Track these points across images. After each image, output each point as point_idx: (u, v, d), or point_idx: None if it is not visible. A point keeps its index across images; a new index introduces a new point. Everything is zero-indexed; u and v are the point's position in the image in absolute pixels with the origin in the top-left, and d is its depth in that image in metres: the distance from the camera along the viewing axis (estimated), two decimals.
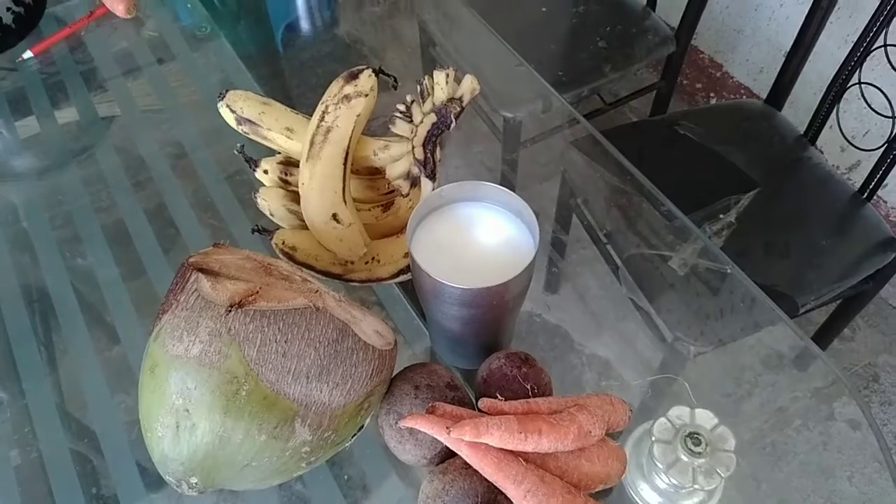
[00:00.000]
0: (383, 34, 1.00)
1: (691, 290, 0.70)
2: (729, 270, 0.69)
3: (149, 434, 0.44)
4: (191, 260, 0.46)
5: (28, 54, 0.87)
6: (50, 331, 0.67)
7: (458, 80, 0.57)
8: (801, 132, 1.17)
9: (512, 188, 0.50)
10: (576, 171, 0.83)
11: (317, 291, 0.46)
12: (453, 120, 0.56)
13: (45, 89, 0.88)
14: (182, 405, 0.41)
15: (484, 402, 0.48)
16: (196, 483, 0.45)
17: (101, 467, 0.58)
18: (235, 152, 0.62)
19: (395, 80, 0.61)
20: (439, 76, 0.55)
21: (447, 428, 0.44)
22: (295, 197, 0.60)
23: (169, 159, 0.80)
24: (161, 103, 0.88)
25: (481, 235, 0.51)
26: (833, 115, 1.10)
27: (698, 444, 0.52)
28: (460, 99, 0.56)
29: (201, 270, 0.43)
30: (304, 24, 1.04)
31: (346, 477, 0.56)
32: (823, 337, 1.26)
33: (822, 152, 1.15)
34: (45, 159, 0.82)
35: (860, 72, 1.03)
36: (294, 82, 0.89)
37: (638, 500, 0.56)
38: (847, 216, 1.09)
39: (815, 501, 0.56)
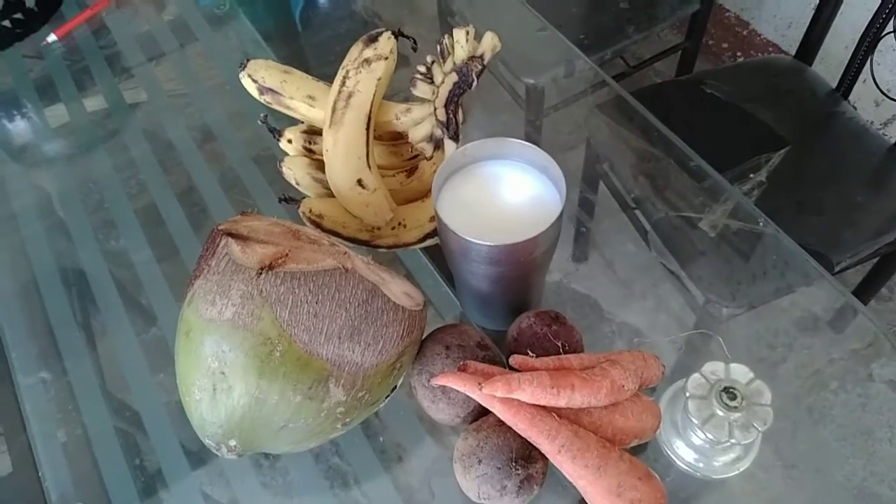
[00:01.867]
0: (401, 8, 0.99)
1: (722, 251, 0.68)
2: (761, 224, 0.68)
3: (187, 398, 0.45)
4: (220, 227, 0.46)
5: (52, 37, 0.88)
6: (88, 312, 0.68)
7: (478, 38, 0.56)
8: (833, 87, 1.14)
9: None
10: (601, 136, 0.82)
11: (345, 253, 0.46)
12: (475, 78, 0.55)
13: (71, 76, 0.89)
14: (218, 368, 0.42)
15: (515, 359, 0.48)
16: (235, 446, 0.45)
17: (144, 444, 0.59)
18: (259, 122, 0.62)
19: (415, 42, 0.60)
20: (459, 34, 0.55)
21: (479, 384, 0.44)
22: (320, 165, 0.60)
23: (196, 142, 0.80)
24: (186, 87, 0.88)
25: (507, 193, 0.51)
26: (867, 67, 1.06)
27: (734, 398, 0.52)
28: (481, 57, 0.55)
29: (231, 235, 0.44)
30: (322, 1, 1.03)
31: (380, 439, 0.56)
32: (860, 297, 1.24)
33: (855, 108, 1.12)
34: (75, 146, 0.84)
35: (895, 20, 0.99)
36: (314, 61, 0.89)
37: (674, 458, 0.56)
38: (883, 171, 1.06)
39: (854, 464, 0.55)
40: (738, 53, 1.74)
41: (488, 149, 0.51)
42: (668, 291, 0.66)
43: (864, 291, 1.22)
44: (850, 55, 1.07)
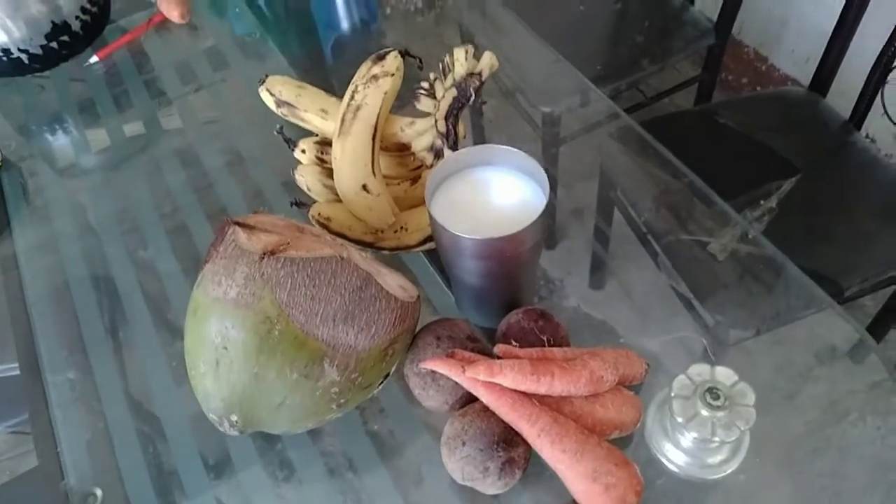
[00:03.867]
0: (429, 41, 1.04)
1: (733, 276, 0.69)
2: (765, 250, 0.68)
3: (193, 372, 0.49)
4: (232, 218, 0.50)
5: (94, 59, 0.95)
6: (116, 320, 0.71)
7: (477, 58, 0.61)
8: (846, 118, 1.15)
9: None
10: (615, 163, 0.84)
11: (342, 245, 0.50)
12: (472, 93, 0.59)
13: (112, 99, 0.94)
14: (221, 343, 0.46)
15: (500, 348, 0.51)
16: (236, 421, 0.49)
17: (163, 447, 0.62)
18: (275, 133, 0.67)
19: (420, 62, 0.65)
20: (459, 53, 0.59)
21: (463, 368, 0.47)
22: (330, 174, 0.65)
23: (227, 167, 0.84)
24: (219, 114, 0.93)
25: (495, 195, 0.55)
26: (878, 98, 1.08)
27: (717, 398, 0.53)
28: (480, 74, 0.59)
29: (238, 224, 0.48)
30: (352, 37, 1.08)
31: (374, 427, 0.59)
32: (878, 327, 1.23)
33: (873, 141, 1.13)
34: (112, 166, 0.88)
35: None
36: (341, 91, 0.94)
37: (665, 461, 0.58)
38: (895, 200, 1.06)
39: (873, 495, 0.55)
40: (758, 88, 1.76)
41: (480, 155, 0.55)
42: (683, 319, 0.67)
43: (881, 321, 1.21)
44: (862, 85, 1.09)
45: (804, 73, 1.63)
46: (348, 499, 0.57)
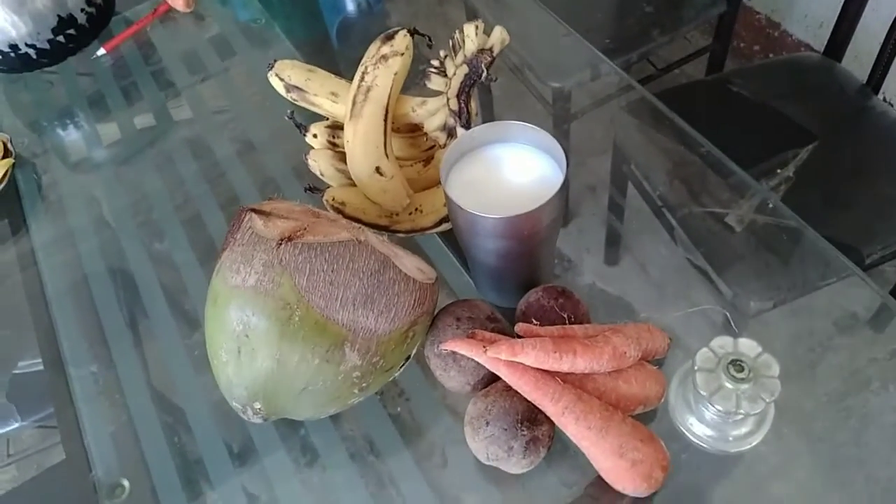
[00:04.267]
0: (434, 22, 1.03)
1: (749, 247, 0.69)
2: (781, 219, 0.68)
3: (215, 361, 0.49)
4: (248, 206, 0.50)
5: (101, 51, 0.95)
6: (135, 312, 0.72)
7: (487, 33, 0.60)
8: (863, 82, 1.13)
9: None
10: (628, 137, 0.83)
11: (360, 229, 0.50)
12: (484, 69, 0.58)
13: (120, 91, 0.94)
14: (242, 331, 0.46)
15: (520, 327, 0.51)
16: (260, 409, 0.49)
17: (188, 437, 0.62)
18: (286, 118, 0.66)
19: (430, 40, 0.64)
20: (469, 28, 0.58)
21: (484, 348, 0.47)
22: (342, 157, 0.64)
23: (238, 155, 0.84)
24: (228, 103, 0.92)
25: (512, 172, 0.54)
26: None
27: (741, 370, 0.53)
28: (490, 49, 0.59)
29: (254, 211, 0.48)
30: (356, 19, 1.07)
31: (396, 410, 0.59)
32: None
33: (891, 104, 1.11)
34: (124, 159, 0.88)
35: None
36: (348, 74, 0.94)
37: (688, 434, 0.57)
38: None
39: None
40: (770, 55, 1.73)
41: (494, 132, 0.54)
42: (700, 290, 0.66)
43: None
44: (879, 48, 1.07)
45: (818, 39, 1.60)
46: (371, 482, 0.57)
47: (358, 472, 0.58)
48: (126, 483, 0.61)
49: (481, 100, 0.88)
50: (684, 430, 0.58)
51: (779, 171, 1.05)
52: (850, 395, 0.57)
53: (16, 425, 1.08)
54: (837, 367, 0.59)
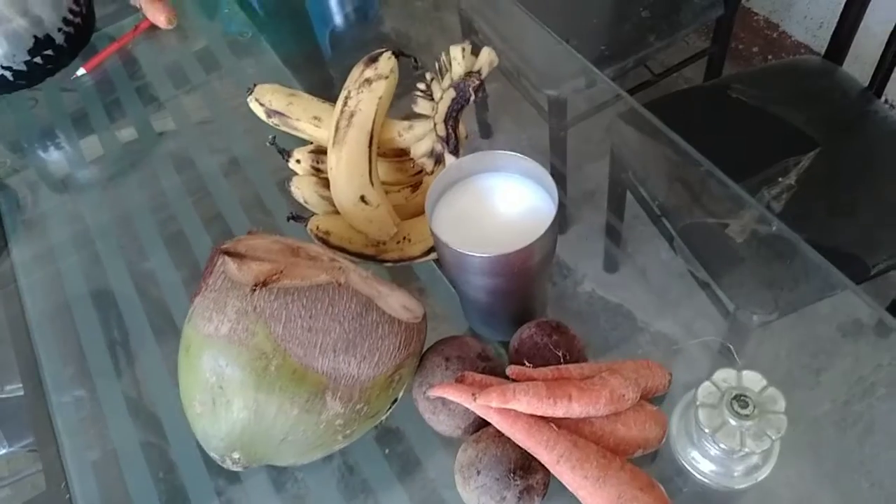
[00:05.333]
0: (428, 27, 1.01)
1: (752, 257, 0.67)
2: (774, 228, 0.66)
3: (189, 412, 0.46)
4: (220, 246, 0.48)
5: (81, 71, 0.92)
6: (117, 333, 0.70)
7: (475, 54, 0.57)
8: (865, 86, 1.10)
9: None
10: (626, 145, 0.81)
11: (340, 268, 0.47)
12: (472, 93, 0.56)
13: (103, 107, 0.93)
14: (216, 382, 0.43)
15: (511, 370, 0.48)
16: (239, 458, 0.47)
17: (170, 459, 0.60)
18: (267, 144, 0.64)
19: (416, 60, 0.61)
20: (455, 51, 0.55)
21: (473, 395, 0.44)
22: (327, 184, 0.62)
23: (222, 169, 0.82)
24: (212, 115, 0.91)
25: (502, 205, 0.51)
26: None
27: (745, 406, 0.50)
28: (478, 72, 0.56)
29: (227, 253, 0.45)
30: (350, 26, 1.05)
31: (386, 451, 0.57)
32: None
33: (894, 108, 1.09)
34: (108, 176, 0.86)
35: None
36: (341, 85, 0.92)
37: (689, 468, 0.55)
38: None
39: None
40: (770, 57, 1.71)
41: (482, 162, 0.52)
42: (700, 299, 0.65)
43: None
44: (881, 51, 1.04)
45: (817, 40, 1.57)
46: None
47: None
48: None
49: (474, 107, 0.86)
50: (686, 464, 0.55)
51: (780, 179, 1.03)
52: (854, 401, 0.56)
53: (2, 451, 1.05)
54: (841, 374, 0.58)
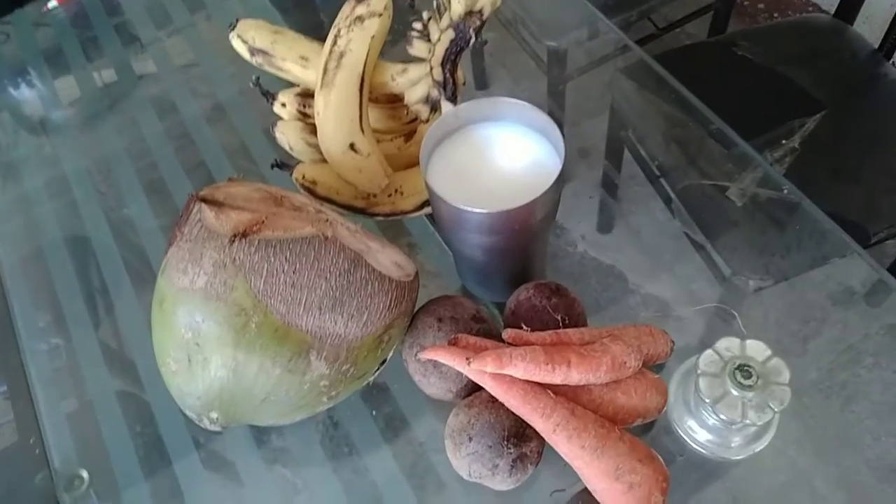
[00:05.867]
0: None
1: (751, 221, 0.66)
2: (786, 191, 0.64)
3: (163, 368, 0.43)
4: (198, 193, 0.44)
5: (53, 3, 0.87)
6: (93, 281, 0.69)
7: None
8: (876, 47, 1.07)
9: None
10: (626, 101, 0.79)
11: (327, 221, 0.44)
12: (472, 35, 0.51)
13: (80, 45, 0.88)
14: (192, 339, 0.40)
15: (508, 333, 0.46)
16: (217, 418, 0.44)
17: (146, 410, 0.59)
18: (251, 85, 0.59)
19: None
20: None
21: (467, 359, 0.42)
22: (314, 130, 0.58)
23: (206, 115, 0.79)
24: (196, 58, 0.87)
25: (502, 157, 0.48)
26: None
27: (748, 376, 0.49)
28: (480, 12, 0.52)
29: (204, 200, 0.42)
30: None
31: (373, 412, 0.55)
32: None
33: None
34: (84, 118, 0.84)
35: None
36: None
37: (685, 437, 0.53)
38: None
39: (887, 443, 0.52)
40: (775, 14, 1.65)
41: (482, 110, 0.48)
42: (695, 263, 0.64)
43: None
44: (894, 13, 1.00)
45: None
46: (345, 477, 0.53)
47: (332, 468, 0.54)
48: (85, 474, 0.57)
49: (470, 57, 0.82)
50: (682, 433, 0.54)
51: (784, 141, 1.00)
52: (842, 369, 0.56)
53: None
54: (831, 341, 0.57)
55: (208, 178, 0.73)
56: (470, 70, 0.84)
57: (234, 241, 0.40)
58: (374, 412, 0.55)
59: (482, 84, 0.84)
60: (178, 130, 0.78)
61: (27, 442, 0.61)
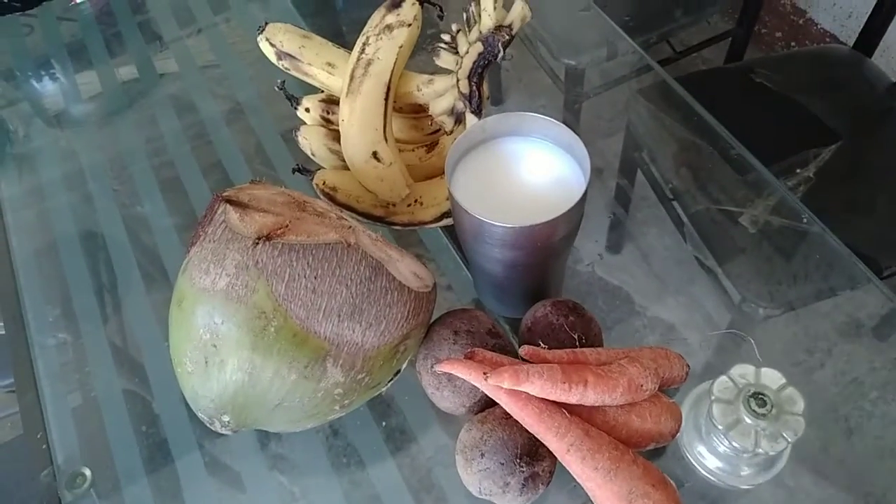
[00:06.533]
0: None
1: (763, 249, 0.65)
2: (805, 221, 0.64)
3: (179, 369, 0.43)
4: (224, 193, 0.44)
5: None
6: (106, 277, 0.68)
7: (507, 7, 0.53)
8: (894, 80, 1.07)
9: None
10: (642, 122, 0.79)
11: (350, 228, 0.43)
12: (501, 49, 0.52)
13: (103, 41, 0.89)
14: (210, 340, 0.40)
15: (526, 350, 0.45)
16: (228, 421, 0.44)
17: (152, 410, 0.59)
18: (276, 88, 0.60)
19: (441, 10, 0.57)
20: (486, 1, 0.51)
21: (484, 374, 0.41)
22: (337, 136, 0.58)
23: (224, 116, 0.80)
24: (218, 59, 0.87)
25: (527, 172, 0.48)
26: None
27: (763, 405, 0.48)
28: (510, 27, 0.52)
29: (229, 202, 0.41)
30: None
31: (386, 423, 0.54)
32: None
33: None
34: (104, 113, 0.84)
35: None
36: (353, 36, 0.88)
37: (695, 463, 0.53)
38: None
39: (889, 481, 0.51)
40: (793, 44, 1.66)
41: (509, 124, 0.48)
42: (704, 288, 0.63)
43: None
44: None
45: (845, 30, 1.53)
46: (346, 488, 0.53)
47: (338, 480, 0.53)
48: (87, 472, 0.57)
49: (489, 75, 0.82)
50: (692, 459, 0.53)
51: (798, 170, 1.00)
52: (849, 401, 0.56)
53: None
54: (838, 374, 0.57)
55: (224, 178, 0.73)
56: (486, 85, 0.84)
57: (257, 243, 0.39)
58: (384, 423, 0.54)
59: (497, 100, 0.84)
60: (196, 130, 0.78)
61: (33, 437, 0.61)
